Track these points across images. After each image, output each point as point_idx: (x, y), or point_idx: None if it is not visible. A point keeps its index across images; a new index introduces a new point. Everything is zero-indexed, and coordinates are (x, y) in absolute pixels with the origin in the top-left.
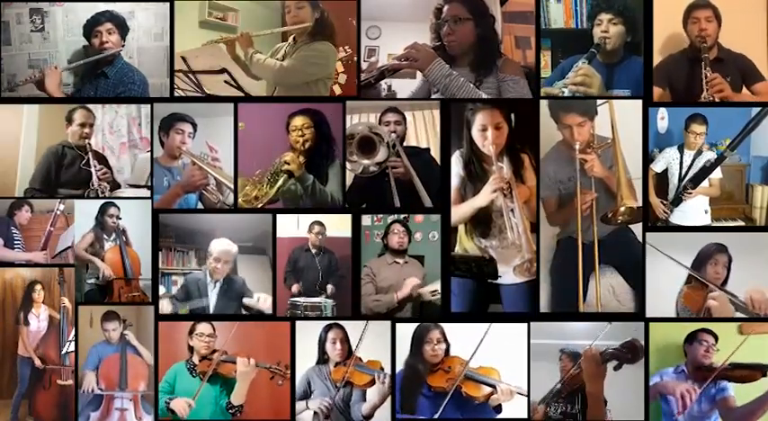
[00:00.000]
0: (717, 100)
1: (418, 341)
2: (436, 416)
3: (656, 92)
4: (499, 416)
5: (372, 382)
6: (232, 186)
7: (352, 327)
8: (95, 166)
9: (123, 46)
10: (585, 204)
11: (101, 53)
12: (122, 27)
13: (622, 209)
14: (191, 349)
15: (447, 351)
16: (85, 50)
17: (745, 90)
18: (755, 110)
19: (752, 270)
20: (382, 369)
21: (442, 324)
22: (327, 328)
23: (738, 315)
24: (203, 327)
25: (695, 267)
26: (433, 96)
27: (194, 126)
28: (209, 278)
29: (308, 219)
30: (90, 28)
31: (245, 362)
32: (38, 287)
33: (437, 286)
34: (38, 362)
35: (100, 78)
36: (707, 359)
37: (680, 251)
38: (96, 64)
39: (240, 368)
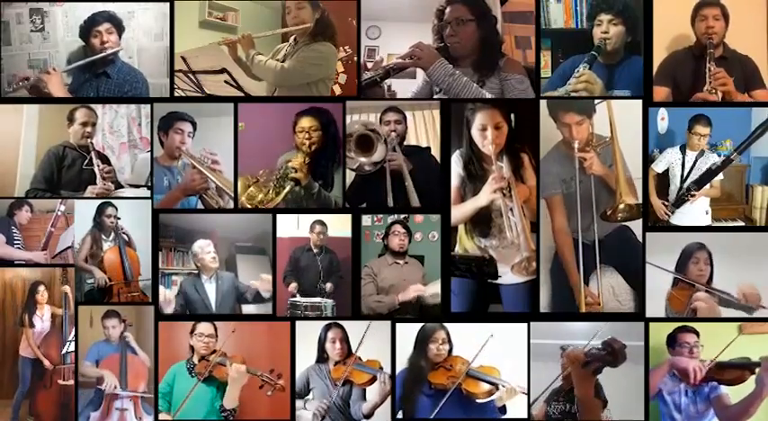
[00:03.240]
0: (719, 94)
1: (423, 340)
2: (435, 414)
3: (661, 91)
4: (499, 416)
5: (372, 381)
6: (232, 193)
7: (352, 327)
8: (98, 165)
9: (120, 45)
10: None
11: (101, 53)
12: (120, 27)
13: (621, 206)
14: (192, 349)
15: (450, 351)
16: (84, 50)
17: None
18: (755, 112)
19: (753, 271)
20: (381, 368)
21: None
22: (327, 328)
23: (732, 312)
24: (203, 328)
25: (679, 268)
26: (435, 96)
27: (194, 125)
28: (205, 275)
29: (308, 219)
30: (89, 28)
31: (237, 368)
32: (41, 288)
33: (438, 289)
34: (47, 363)
35: (101, 78)
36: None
37: (677, 252)
38: (94, 64)
39: (231, 373)
